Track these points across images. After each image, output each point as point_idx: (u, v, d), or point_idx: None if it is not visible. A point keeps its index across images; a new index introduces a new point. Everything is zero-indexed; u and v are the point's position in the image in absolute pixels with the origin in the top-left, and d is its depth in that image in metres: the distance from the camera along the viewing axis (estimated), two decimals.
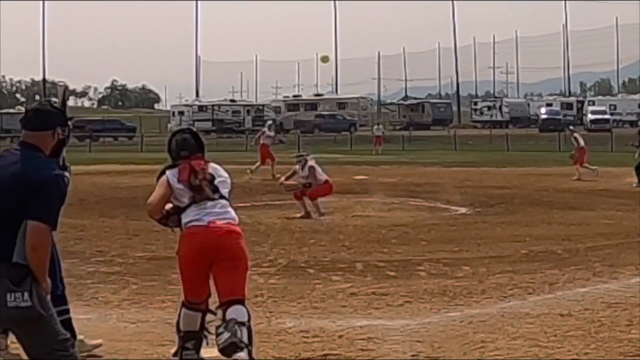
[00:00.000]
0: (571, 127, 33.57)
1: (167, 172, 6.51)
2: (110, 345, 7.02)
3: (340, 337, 7.29)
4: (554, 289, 9.42)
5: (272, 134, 28.91)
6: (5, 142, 67.61)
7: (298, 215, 16.67)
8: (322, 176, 17.13)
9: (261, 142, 28.16)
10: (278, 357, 6.22)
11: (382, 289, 9.41)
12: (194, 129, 6.90)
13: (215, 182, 6.39)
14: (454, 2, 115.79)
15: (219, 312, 6.21)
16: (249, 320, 6.07)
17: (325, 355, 6.69)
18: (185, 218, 6.32)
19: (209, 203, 6.28)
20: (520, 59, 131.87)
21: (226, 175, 6.57)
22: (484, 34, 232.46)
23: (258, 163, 27.62)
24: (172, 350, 6.43)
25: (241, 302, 6.11)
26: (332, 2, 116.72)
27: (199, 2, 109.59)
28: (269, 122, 30.77)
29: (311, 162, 17.22)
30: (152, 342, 7.14)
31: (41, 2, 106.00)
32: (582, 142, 27.71)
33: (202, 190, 6.29)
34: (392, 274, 10.43)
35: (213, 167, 6.55)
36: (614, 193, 21.93)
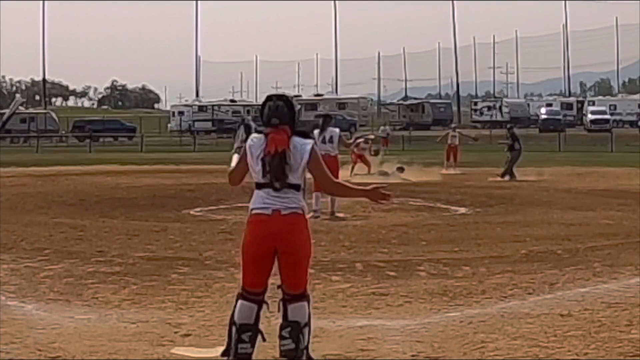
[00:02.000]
0: (453, 126, 35.52)
1: (251, 139, 6.21)
2: (110, 345, 7.01)
3: (340, 337, 7.28)
4: (554, 289, 9.41)
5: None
6: (5, 142, 67.82)
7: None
8: None
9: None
10: (278, 357, 6.22)
11: (382, 289, 9.40)
12: (290, 97, 6.39)
13: (288, 165, 6.06)
14: (454, 2, 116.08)
15: (270, 302, 6.24)
16: (309, 317, 6.15)
17: (325, 355, 6.69)
18: (252, 202, 6.17)
19: (276, 191, 6.06)
20: (520, 59, 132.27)
21: (305, 155, 6.09)
22: (484, 34, 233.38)
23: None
24: (220, 350, 6.32)
25: (302, 297, 6.14)
26: (332, 2, 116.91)
27: (199, 2, 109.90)
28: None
29: None
30: (152, 342, 7.13)
31: (41, 2, 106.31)
32: (456, 141, 33.14)
33: (273, 174, 6.05)
34: (392, 274, 10.42)
35: (295, 144, 6.12)
36: (614, 193, 21.92)
